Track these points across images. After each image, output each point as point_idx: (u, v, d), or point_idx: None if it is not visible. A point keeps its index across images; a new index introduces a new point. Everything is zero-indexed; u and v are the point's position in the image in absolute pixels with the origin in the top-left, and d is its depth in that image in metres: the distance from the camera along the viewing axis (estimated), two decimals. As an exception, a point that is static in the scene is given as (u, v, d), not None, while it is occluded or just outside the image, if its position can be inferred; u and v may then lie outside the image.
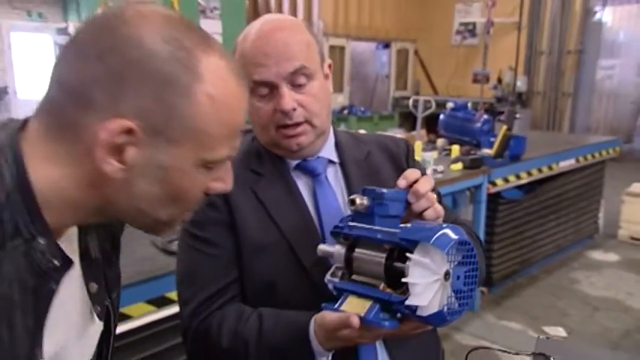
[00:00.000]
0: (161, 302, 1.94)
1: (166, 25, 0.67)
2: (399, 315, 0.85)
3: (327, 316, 0.91)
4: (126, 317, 1.85)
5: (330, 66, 1.17)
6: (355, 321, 0.83)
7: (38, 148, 0.66)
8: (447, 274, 0.80)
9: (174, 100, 0.65)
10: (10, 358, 0.63)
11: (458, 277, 0.82)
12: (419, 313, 0.80)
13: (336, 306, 0.91)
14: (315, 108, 1.08)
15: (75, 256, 0.74)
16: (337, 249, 0.94)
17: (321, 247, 0.98)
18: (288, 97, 1.05)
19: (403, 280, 0.82)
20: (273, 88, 1.06)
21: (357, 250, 0.92)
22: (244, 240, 1.09)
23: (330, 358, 0.97)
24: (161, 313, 1.94)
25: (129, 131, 0.63)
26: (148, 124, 0.64)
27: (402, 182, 0.94)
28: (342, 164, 1.19)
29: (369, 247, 0.91)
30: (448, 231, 0.82)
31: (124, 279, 1.88)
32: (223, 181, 0.76)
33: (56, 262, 0.67)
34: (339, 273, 0.94)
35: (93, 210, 0.70)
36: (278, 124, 1.07)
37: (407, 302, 0.81)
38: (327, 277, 0.95)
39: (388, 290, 0.86)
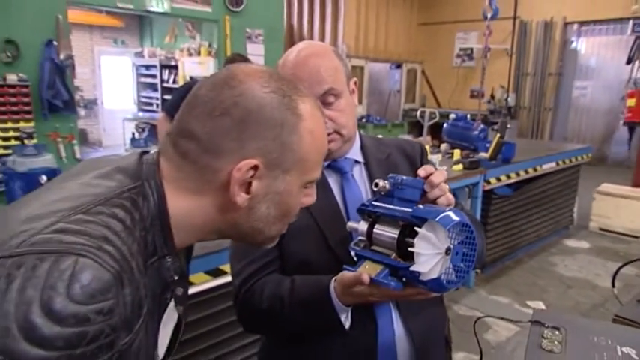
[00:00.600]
0: (216, 273, 1.97)
1: (269, 78, 0.67)
2: (404, 279, 0.84)
3: (345, 274, 0.91)
4: (190, 283, 1.88)
5: (355, 83, 1.15)
6: (365, 277, 0.84)
7: (172, 183, 0.65)
8: (448, 250, 0.79)
9: (286, 138, 0.65)
10: (144, 354, 0.61)
11: (457, 254, 0.80)
12: (421, 278, 0.79)
13: (353, 268, 0.91)
14: (343, 121, 1.07)
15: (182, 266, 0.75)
16: (361, 224, 0.93)
17: (350, 223, 0.97)
18: None
19: (409, 249, 0.81)
20: None
21: (376, 225, 0.90)
22: None
23: (349, 314, 0.97)
24: (215, 282, 1.97)
25: (254, 168, 0.64)
26: (269, 160, 0.65)
27: (421, 172, 0.93)
28: (366, 164, 1.16)
29: (387, 224, 0.89)
30: (452, 214, 0.81)
31: None
32: (311, 196, 0.75)
33: (176, 277, 0.68)
34: (362, 244, 0.94)
35: (214, 232, 0.70)
36: None
37: (411, 268, 0.80)
38: (352, 245, 0.95)
39: (398, 259, 0.85)
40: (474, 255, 0.83)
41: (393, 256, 0.87)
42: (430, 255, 0.79)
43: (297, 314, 1.00)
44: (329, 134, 1.06)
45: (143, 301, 0.58)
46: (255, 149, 0.64)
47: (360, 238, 0.94)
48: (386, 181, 0.91)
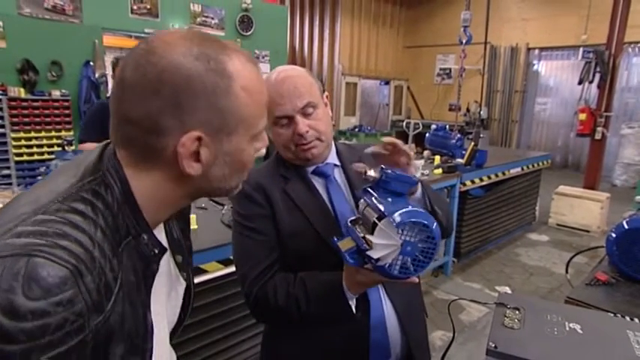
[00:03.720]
0: (227, 262, 1.95)
1: (191, 44, 0.58)
2: (365, 260, 0.83)
3: (348, 269, 0.92)
4: (203, 271, 1.90)
5: (327, 97, 1.13)
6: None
7: (131, 167, 0.60)
8: (402, 244, 0.77)
9: (221, 103, 0.58)
10: (133, 324, 0.58)
11: (409, 249, 0.78)
12: (377, 264, 0.79)
13: (336, 240, 0.90)
14: (322, 128, 1.06)
15: (163, 239, 0.71)
16: (361, 204, 0.91)
17: (360, 200, 0.93)
18: (302, 124, 1.03)
19: (367, 236, 0.80)
20: (290, 118, 1.04)
21: (367, 208, 0.88)
22: (281, 227, 1.06)
23: (354, 301, 0.97)
24: (226, 270, 1.95)
25: (198, 139, 0.58)
26: (210, 128, 0.59)
27: (386, 139, 0.94)
28: (342, 167, 1.15)
29: (373, 210, 0.86)
30: (409, 213, 0.78)
31: (204, 245, 1.92)
32: (262, 141, 0.68)
33: (156, 250, 0.64)
34: (360, 221, 0.91)
35: (181, 200, 0.65)
36: (297, 143, 1.05)
37: (367, 252, 0.80)
38: (348, 220, 0.93)
39: (369, 241, 0.81)
40: (433, 251, 0.80)
41: (366, 236, 0.84)
42: (383, 245, 0.78)
43: (313, 310, 0.99)
44: (310, 141, 1.05)
45: (112, 283, 0.54)
46: (193, 121, 0.57)
47: (358, 215, 0.92)
48: (375, 172, 0.87)
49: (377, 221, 0.79)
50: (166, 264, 0.71)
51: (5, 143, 4.51)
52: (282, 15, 7.28)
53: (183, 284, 0.77)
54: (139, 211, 0.61)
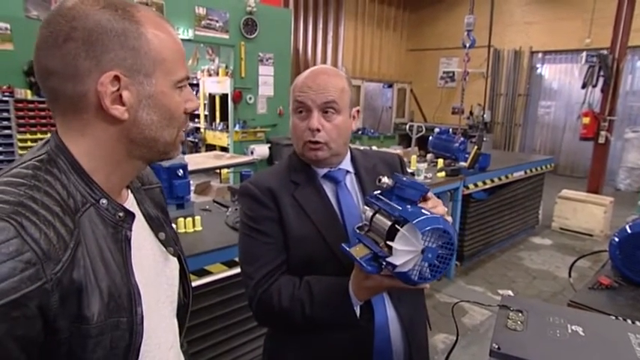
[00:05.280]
0: (231, 264, 1.96)
1: (98, 0, 0.61)
2: (383, 266, 0.82)
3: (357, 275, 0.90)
4: (208, 273, 1.90)
5: (357, 111, 1.11)
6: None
7: (68, 132, 0.63)
8: (423, 250, 0.77)
9: (133, 43, 0.61)
10: (112, 283, 0.61)
11: (430, 255, 0.77)
12: (396, 270, 0.78)
13: (348, 247, 0.88)
14: (334, 135, 1.04)
15: (139, 216, 0.72)
16: (368, 211, 0.91)
17: (363, 207, 0.93)
18: (316, 120, 1.02)
19: (388, 242, 0.80)
20: (308, 111, 1.03)
21: (376, 215, 0.88)
22: (288, 232, 1.04)
23: (359, 307, 0.96)
24: (231, 272, 1.96)
25: (116, 78, 0.60)
26: (126, 68, 0.61)
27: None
28: (356, 173, 1.13)
29: (385, 216, 0.86)
30: (431, 219, 0.78)
31: (208, 247, 1.93)
32: (192, 101, 0.70)
33: (121, 215, 0.65)
34: (365, 228, 0.91)
35: (125, 158, 0.66)
36: (306, 139, 1.04)
37: (388, 259, 0.79)
38: (355, 228, 0.92)
39: (385, 249, 0.82)
40: (450, 257, 0.79)
41: (382, 244, 0.84)
42: (405, 252, 0.77)
43: (318, 314, 0.97)
44: (317, 142, 1.03)
45: (65, 236, 0.56)
46: (109, 61, 0.60)
47: (364, 222, 0.91)
48: (389, 179, 0.88)
49: (398, 227, 0.79)
50: (151, 239, 0.74)
51: (12, 144, 4.56)
52: (286, 18, 7.31)
53: (172, 261, 0.79)
54: (88, 176, 0.63)
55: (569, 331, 0.88)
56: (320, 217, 1.05)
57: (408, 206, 0.84)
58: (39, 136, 4.67)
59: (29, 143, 4.60)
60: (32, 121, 4.66)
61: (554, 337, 0.86)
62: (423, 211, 0.81)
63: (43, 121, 4.69)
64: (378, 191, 0.91)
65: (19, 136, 4.60)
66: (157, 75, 0.63)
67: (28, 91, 4.66)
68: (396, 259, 0.78)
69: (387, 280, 0.85)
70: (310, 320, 0.98)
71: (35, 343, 0.54)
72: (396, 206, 0.84)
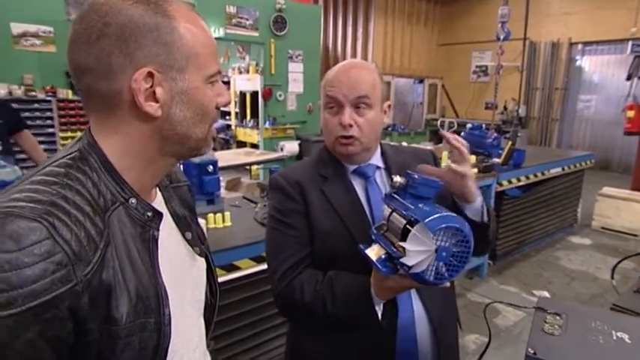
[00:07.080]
0: (259, 259, 1.97)
1: None
2: (398, 267, 0.80)
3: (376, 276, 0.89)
4: (237, 268, 1.91)
5: (389, 106, 1.10)
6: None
7: (101, 131, 0.63)
8: (437, 249, 0.75)
9: (166, 37, 0.60)
10: (139, 283, 0.60)
11: (444, 254, 0.75)
12: (411, 271, 0.76)
13: (365, 248, 0.87)
14: (366, 130, 1.03)
15: (166, 215, 0.71)
16: (385, 210, 0.89)
17: (383, 206, 0.91)
18: (348, 115, 1.01)
19: (400, 243, 0.78)
20: (340, 106, 1.02)
21: (393, 214, 0.86)
22: (315, 225, 1.04)
23: (381, 306, 0.94)
24: (259, 267, 1.97)
25: (150, 75, 0.59)
26: (159, 64, 0.60)
27: (448, 135, 0.95)
28: (386, 169, 1.11)
29: (401, 215, 0.83)
30: (442, 218, 0.75)
31: (237, 242, 1.94)
32: (223, 95, 0.69)
33: (149, 214, 0.65)
34: (384, 227, 0.89)
35: (157, 155, 0.65)
36: (338, 134, 1.03)
37: (401, 260, 0.77)
38: (373, 228, 0.90)
39: (400, 249, 0.79)
40: (467, 255, 0.77)
41: (397, 244, 0.82)
42: (417, 252, 0.76)
43: (339, 312, 0.96)
44: (349, 137, 1.02)
45: (96, 237, 0.55)
46: (142, 58, 0.59)
47: (382, 222, 0.90)
48: (402, 178, 0.86)
49: (409, 227, 0.77)
50: (178, 239, 0.74)
51: (55, 142, 4.76)
52: (316, 15, 7.30)
53: (200, 261, 0.78)
54: (119, 175, 0.62)
55: (614, 337, 0.83)
56: (347, 211, 1.04)
57: (421, 205, 0.81)
58: (79, 134, 4.80)
59: (70, 141, 4.78)
60: (73, 119, 4.86)
61: (597, 344, 0.81)
62: (435, 209, 0.79)
63: (84, 119, 4.88)
64: (393, 191, 0.89)
65: (62, 134, 4.80)
66: (189, 70, 0.62)
67: (69, 91, 4.86)
68: (409, 260, 0.76)
69: (406, 280, 0.83)
70: (331, 316, 0.98)
71: (66, 345, 0.54)
72: (409, 205, 0.82)
